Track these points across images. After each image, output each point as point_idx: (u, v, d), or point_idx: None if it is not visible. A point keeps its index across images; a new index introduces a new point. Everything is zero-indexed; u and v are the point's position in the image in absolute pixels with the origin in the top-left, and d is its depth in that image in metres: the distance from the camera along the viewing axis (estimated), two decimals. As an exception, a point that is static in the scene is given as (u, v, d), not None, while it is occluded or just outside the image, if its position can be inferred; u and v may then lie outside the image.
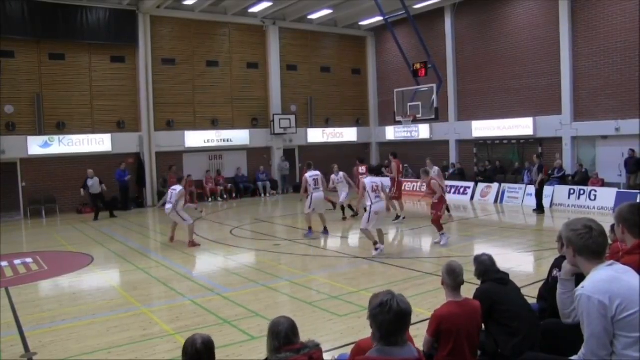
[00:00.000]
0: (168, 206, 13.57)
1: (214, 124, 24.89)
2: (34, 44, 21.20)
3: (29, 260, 12.35)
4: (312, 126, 27.72)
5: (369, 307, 3.09)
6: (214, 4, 23.69)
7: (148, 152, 23.21)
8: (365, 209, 11.60)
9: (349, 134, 29.04)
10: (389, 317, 2.92)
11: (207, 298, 8.48)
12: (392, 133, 28.08)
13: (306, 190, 14.15)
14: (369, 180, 11.44)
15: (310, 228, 13.98)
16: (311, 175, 14.14)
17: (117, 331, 7.14)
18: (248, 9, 24.53)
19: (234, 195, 24.43)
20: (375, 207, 11.19)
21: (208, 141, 24.77)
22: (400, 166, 17.68)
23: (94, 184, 19.49)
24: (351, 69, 29.39)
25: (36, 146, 21.20)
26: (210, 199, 23.92)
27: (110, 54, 22.74)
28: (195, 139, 24.37)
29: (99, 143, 22.34)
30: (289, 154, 27.08)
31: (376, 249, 11.24)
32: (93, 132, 22.28)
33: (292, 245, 12.97)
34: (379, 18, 23.84)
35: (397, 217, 16.22)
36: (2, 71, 20.30)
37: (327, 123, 28.29)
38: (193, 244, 13.15)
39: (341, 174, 16.90)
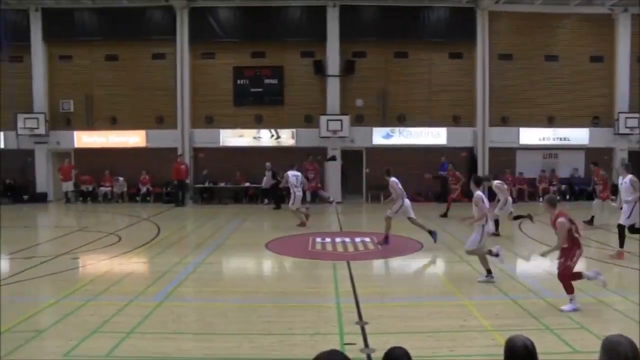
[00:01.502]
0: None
1: (550, 121, 23.61)
2: (382, 44, 23.35)
3: (367, 239, 13.69)
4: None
5: None
6: (555, -5, 22.39)
7: (481, 147, 23.37)
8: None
9: None
10: None
11: (529, 300, 8.14)
12: None
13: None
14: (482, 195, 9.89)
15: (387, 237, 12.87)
16: (397, 182, 13.05)
17: (438, 317, 7.41)
18: (594, -3, 22.47)
19: (567, 197, 22.82)
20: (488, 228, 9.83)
21: (543, 139, 23.64)
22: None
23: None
24: None
25: (379, 137, 23.40)
26: (541, 199, 22.83)
27: (449, 50, 23.53)
28: (529, 136, 23.53)
29: (434, 136, 23.42)
30: (633, 156, 23.93)
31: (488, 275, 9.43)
32: (430, 125, 23.43)
33: (630, 258, 11.44)
34: None
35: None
36: (355, 69, 22.93)
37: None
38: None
39: None
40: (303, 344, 6.34)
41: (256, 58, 23.75)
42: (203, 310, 7.98)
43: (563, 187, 23.14)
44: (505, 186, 14.80)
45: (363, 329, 6.83)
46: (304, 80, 23.60)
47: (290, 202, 16.22)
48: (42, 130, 23.34)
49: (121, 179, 23.42)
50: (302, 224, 15.84)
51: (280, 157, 22.89)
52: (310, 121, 23.35)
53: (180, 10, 23.16)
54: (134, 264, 11.39)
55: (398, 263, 11.39)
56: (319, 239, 13.82)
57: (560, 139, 23.69)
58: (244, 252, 12.96)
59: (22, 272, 10.29)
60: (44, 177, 24.10)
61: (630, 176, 11.85)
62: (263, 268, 11.77)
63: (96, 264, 11.38)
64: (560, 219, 7.77)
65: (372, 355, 5.93)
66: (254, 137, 23.72)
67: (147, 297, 8.42)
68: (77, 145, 24.14)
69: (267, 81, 23.78)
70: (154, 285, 9.26)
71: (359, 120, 23.42)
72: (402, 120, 23.51)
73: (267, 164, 21.47)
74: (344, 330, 6.83)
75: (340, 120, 22.51)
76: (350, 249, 12.74)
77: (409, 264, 11.36)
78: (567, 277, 7.70)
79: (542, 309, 7.68)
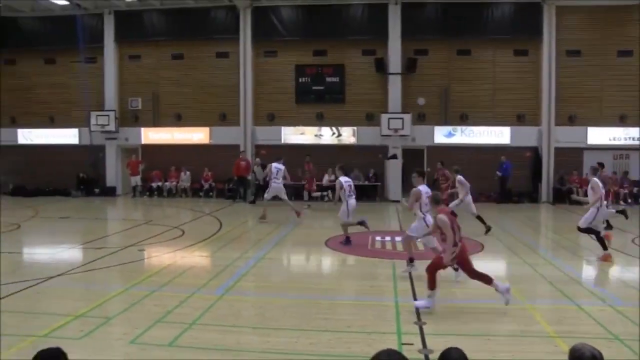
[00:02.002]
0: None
1: (622, 120, 22.56)
2: (444, 42, 23.08)
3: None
4: None
5: None
6: (631, -14, 21.34)
7: (547, 147, 22.66)
8: None
9: None
10: None
11: (596, 307, 7.84)
12: None
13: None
14: (424, 189, 9.87)
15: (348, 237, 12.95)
16: (346, 180, 13.13)
17: (498, 320, 7.28)
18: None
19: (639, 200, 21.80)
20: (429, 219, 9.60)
21: (613, 139, 22.63)
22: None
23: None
24: None
25: (441, 135, 23.13)
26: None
27: (514, 47, 22.97)
28: (598, 135, 22.59)
29: (497, 135, 22.91)
30: None
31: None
32: (493, 124, 22.93)
33: None
34: None
35: None
36: (417, 67, 22.71)
37: None
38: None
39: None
40: (360, 342, 6.37)
41: (318, 56, 23.94)
42: (262, 304, 8.13)
43: (635, 189, 22.11)
44: (469, 185, 14.63)
45: (421, 329, 6.79)
46: (365, 78, 23.59)
47: (266, 192, 16.96)
48: (112, 126, 24.35)
49: (188, 172, 24.10)
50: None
51: (341, 155, 23.02)
52: (371, 119, 23.32)
53: (243, 9, 23.58)
54: (197, 258, 11.71)
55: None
56: (378, 238, 13.80)
57: (633, 138, 22.59)
58: (304, 249, 13.09)
59: (93, 261, 10.82)
60: (113, 171, 25.16)
61: (593, 179, 11.63)
62: (322, 265, 11.86)
63: (161, 256, 11.79)
64: (440, 215, 7.79)
65: (430, 356, 5.89)
66: (315, 135, 23.90)
67: (209, 290, 8.65)
68: (144, 141, 25.04)
69: (328, 79, 23.90)
70: (216, 278, 9.50)
71: (420, 118, 23.21)
72: (464, 119, 23.14)
73: (257, 159, 21.74)
74: (401, 330, 6.81)
75: (402, 118, 22.36)
76: (399, 248, 12.61)
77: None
78: (433, 268, 7.65)
79: (610, 317, 7.38)
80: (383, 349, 2.80)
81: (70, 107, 25.38)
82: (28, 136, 25.88)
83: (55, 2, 23.70)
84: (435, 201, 8.34)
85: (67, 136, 25.48)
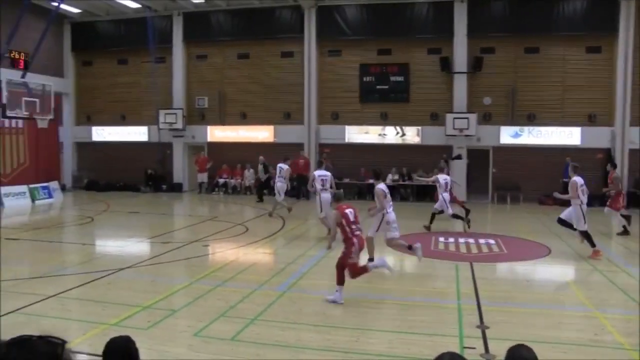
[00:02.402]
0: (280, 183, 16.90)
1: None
2: (512, 39, 22.44)
3: (491, 241, 13.29)
4: None
5: None
6: None
7: (620, 148, 21.65)
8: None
9: None
10: None
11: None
12: None
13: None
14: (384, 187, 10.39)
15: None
16: (319, 174, 13.64)
17: (565, 328, 7.04)
18: None
19: None
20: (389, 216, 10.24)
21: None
22: None
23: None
24: None
25: (507, 136, 22.51)
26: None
27: (586, 44, 22.03)
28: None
29: (567, 136, 22.08)
30: None
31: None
32: (562, 124, 22.12)
33: None
34: None
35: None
36: (483, 66, 22.21)
37: None
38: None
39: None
40: (420, 344, 6.32)
41: (382, 55, 23.81)
42: (323, 302, 8.16)
43: None
44: (443, 185, 14.88)
45: (484, 333, 6.66)
46: (430, 78, 23.29)
47: (276, 194, 17.26)
48: (179, 124, 25.08)
49: (252, 170, 24.51)
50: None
51: (405, 154, 22.85)
52: (436, 119, 23.01)
53: (308, 9, 23.76)
54: (260, 254, 11.91)
55: (524, 268, 10.94)
56: (441, 239, 13.61)
57: None
58: (365, 248, 13.02)
59: (160, 255, 11.21)
60: (180, 168, 25.94)
61: (573, 178, 11.50)
62: (383, 265, 11.76)
63: (224, 252, 12.06)
64: (333, 211, 8.59)
65: (493, 361, 5.75)
66: (379, 134, 23.76)
67: (271, 287, 8.79)
68: (210, 139, 25.65)
69: (393, 78, 23.75)
70: (278, 275, 9.64)
71: (486, 118, 22.70)
72: (531, 119, 22.44)
73: (260, 157, 21.83)
74: (463, 333, 6.70)
75: (467, 118, 21.95)
76: (474, 250, 12.43)
77: (535, 269, 10.88)
78: (341, 266, 8.12)
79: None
80: (445, 351, 2.75)
81: (140, 106, 26.35)
82: (101, 133, 27.07)
83: (128, 5, 24.64)
84: (336, 199, 9.01)
85: (137, 134, 26.44)
